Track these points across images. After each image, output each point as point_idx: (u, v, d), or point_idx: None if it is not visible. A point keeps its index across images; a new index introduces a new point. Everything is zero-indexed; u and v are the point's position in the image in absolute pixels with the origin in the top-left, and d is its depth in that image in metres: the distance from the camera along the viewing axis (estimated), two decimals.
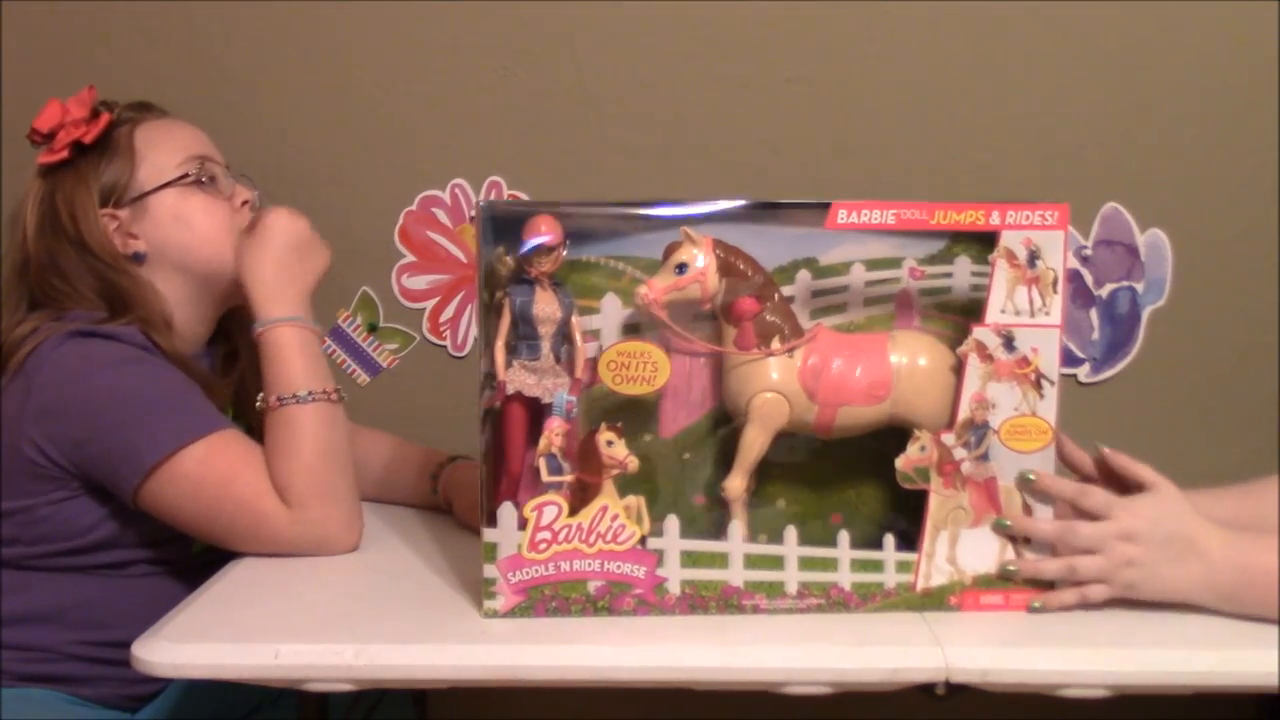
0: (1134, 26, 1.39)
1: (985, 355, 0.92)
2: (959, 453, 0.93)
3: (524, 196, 1.42)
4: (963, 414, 0.93)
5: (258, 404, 1.11)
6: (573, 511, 0.93)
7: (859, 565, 0.94)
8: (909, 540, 0.94)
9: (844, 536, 0.94)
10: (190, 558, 1.15)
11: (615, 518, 0.93)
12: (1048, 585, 0.94)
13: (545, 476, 0.92)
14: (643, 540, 0.93)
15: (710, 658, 0.87)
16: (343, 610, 0.96)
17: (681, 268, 0.92)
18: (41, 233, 1.17)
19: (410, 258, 1.44)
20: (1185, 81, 1.39)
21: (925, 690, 0.86)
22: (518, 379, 0.93)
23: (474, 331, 1.44)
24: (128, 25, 1.41)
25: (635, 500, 0.93)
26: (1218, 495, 1.04)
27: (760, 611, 0.93)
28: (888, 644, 0.87)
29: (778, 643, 0.88)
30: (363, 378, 1.27)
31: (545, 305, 0.92)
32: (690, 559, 0.94)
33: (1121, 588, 0.92)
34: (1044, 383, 0.92)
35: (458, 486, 1.22)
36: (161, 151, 1.20)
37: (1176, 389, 1.43)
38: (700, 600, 0.94)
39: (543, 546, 0.93)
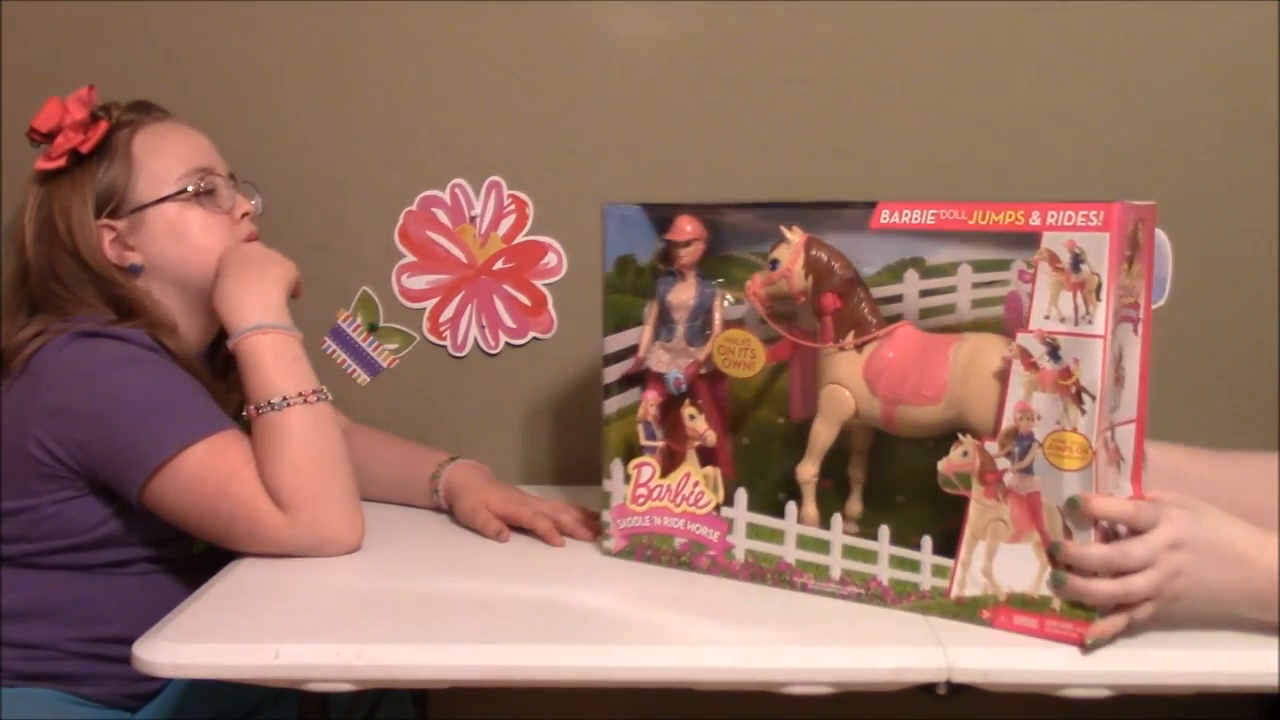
0: (1134, 26, 1.38)
1: (1030, 363, 0.87)
2: (1002, 462, 0.89)
3: (524, 197, 1.42)
4: (1006, 423, 0.88)
5: (244, 416, 1.11)
6: (665, 474, 1.05)
7: (896, 562, 0.95)
8: (950, 546, 0.92)
9: (884, 531, 0.95)
10: (192, 557, 1.15)
11: (696, 484, 1.04)
12: (1082, 607, 0.86)
13: (641, 440, 1.07)
14: (717, 508, 1.03)
15: (712, 658, 0.87)
16: (343, 610, 0.96)
17: (774, 264, 0.99)
18: (40, 241, 1.17)
19: (410, 258, 1.44)
20: (1185, 81, 1.39)
21: (926, 690, 0.86)
22: (654, 356, 1.05)
23: (474, 331, 1.44)
24: (127, 25, 1.41)
25: (713, 470, 1.03)
26: (1191, 454, 1.04)
27: (809, 591, 0.99)
28: (889, 644, 0.87)
29: (779, 643, 0.88)
30: (363, 378, 1.27)
31: (680, 294, 1.03)
32: (754, 531, 1.02)
33: (1167, 600, 0.86)
34: (1085, 397, 0.85)
35: (458, 487, 1.22)
36: (160, 161, 1.18)
37: (1176, 389, 1.42)
38: (760, 570, 1.01)
39: (640, 501, 1.07)
